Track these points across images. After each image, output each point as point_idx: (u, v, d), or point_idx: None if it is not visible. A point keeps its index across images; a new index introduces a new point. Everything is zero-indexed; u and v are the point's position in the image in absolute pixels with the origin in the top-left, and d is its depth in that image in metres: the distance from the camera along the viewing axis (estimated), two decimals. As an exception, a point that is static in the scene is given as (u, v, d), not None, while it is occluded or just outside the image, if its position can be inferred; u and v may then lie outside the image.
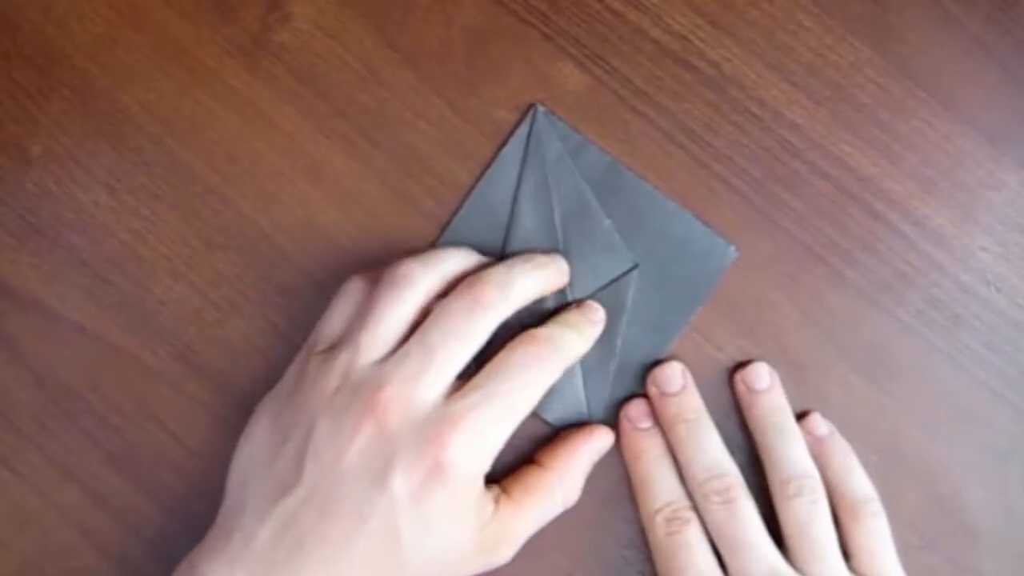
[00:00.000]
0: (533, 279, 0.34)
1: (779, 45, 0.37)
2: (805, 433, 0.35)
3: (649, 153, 0.37)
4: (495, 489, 0.33)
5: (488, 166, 0.37)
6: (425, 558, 0.31)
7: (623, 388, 0.36)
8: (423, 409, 0.31)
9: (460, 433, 0.30)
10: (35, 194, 0.37)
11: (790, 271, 0.36)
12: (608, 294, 0.36)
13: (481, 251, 0.36)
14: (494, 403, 0.31)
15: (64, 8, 0.37)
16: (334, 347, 0.32)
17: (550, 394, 0.33)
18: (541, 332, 0.33)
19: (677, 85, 0.37)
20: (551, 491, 0.34)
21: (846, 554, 0.34)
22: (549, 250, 0.36)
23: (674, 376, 0.35)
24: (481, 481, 0.32)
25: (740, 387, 0.36)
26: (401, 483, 0.30)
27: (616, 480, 0.36)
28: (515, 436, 0.32)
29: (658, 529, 0.34)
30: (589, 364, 0.36)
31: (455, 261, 0.34)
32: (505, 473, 0.34)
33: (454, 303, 0.32)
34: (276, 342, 0.37)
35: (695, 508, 0.34)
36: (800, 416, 0.36)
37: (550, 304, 0.36)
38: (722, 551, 0.34)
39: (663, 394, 0.35)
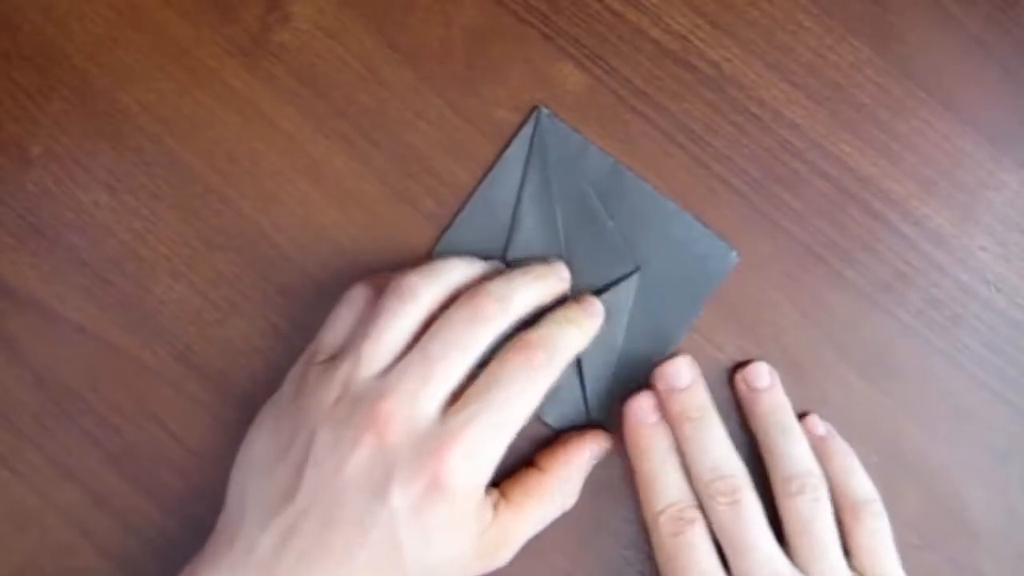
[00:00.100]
0: (533, 290, 0.34)
1: (779, 45, 0.37)
2: (805, 434, 0.35)
3: (649, 153, 0.37)
4: (494, 494, 0.33)
5: (489, 167, 0.37)
6: (426, 567, 0.31)
7: (624, 390, 0.36)
8: (423, 422, 0.31)
9: (459, 447, 0.30)
10: (35, 194, 0.37)
11: (790, 271, 0.36)
12: (609, 296, 0.36)
13: (483, 252, 0.36)
14: (492, 414, 0.31)
15: (64, 8, 0.37)
16: (335, 357, 0.32)
17: (550, 397, 0.33)
18: (534, 335, 0.33)
19: (677, 85, 0.37)
20: (550, 495, 0.34)
21: (846, 552, 0.34)
22: (551, 252, 0.36)
23: (682, 371, 0.35)
24: (481, 492, 0.32)
25: (741, 386, 0.36)
26: (401, 497, 0.30)
27: (616, 480, 0.36)
28: (515, 438, 0.32)
29: (662, 529, 0.34)
30: (590, 366, 0.36)
31: (458, 272, 0.34)
32: (504, 475, 0.34)
33: (455, 315, 0.32)
34: (276, 342, 0.37)
35: (700, 506, 0.34)
36: (798, 418, 0.35)
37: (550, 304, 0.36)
38: (726, 551, 0.34)
39: (670, 390, 0.35)
